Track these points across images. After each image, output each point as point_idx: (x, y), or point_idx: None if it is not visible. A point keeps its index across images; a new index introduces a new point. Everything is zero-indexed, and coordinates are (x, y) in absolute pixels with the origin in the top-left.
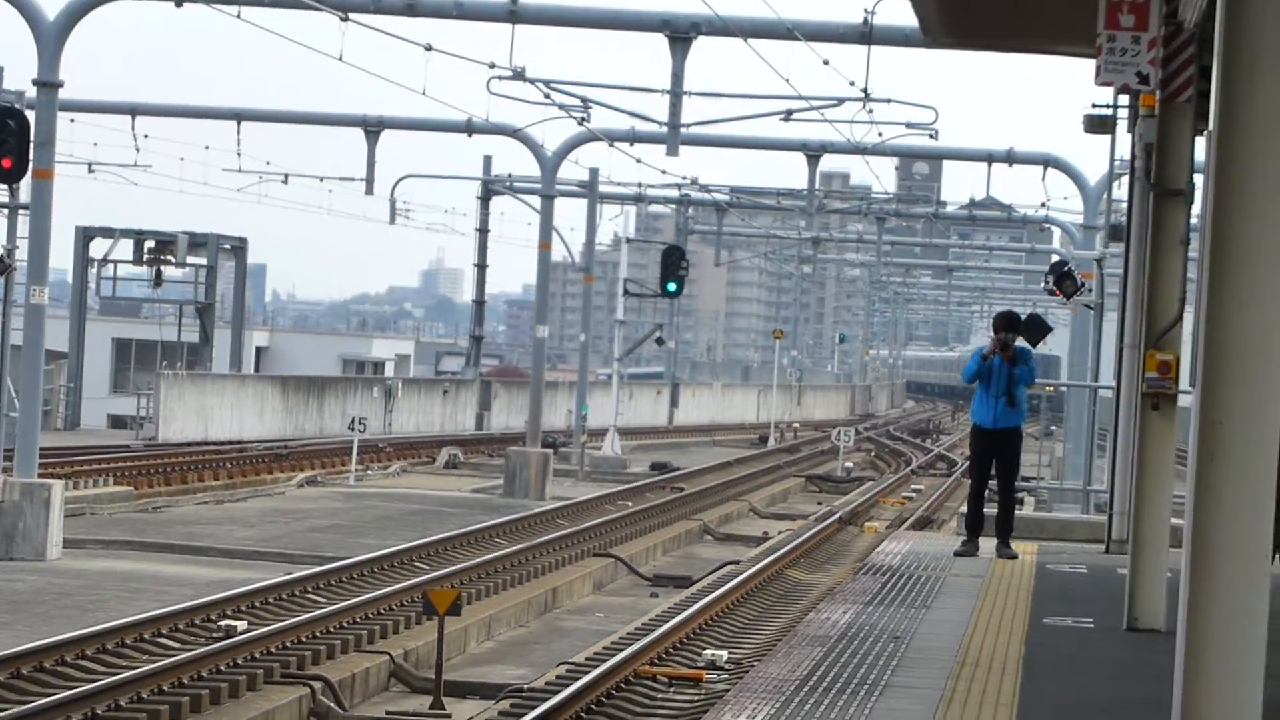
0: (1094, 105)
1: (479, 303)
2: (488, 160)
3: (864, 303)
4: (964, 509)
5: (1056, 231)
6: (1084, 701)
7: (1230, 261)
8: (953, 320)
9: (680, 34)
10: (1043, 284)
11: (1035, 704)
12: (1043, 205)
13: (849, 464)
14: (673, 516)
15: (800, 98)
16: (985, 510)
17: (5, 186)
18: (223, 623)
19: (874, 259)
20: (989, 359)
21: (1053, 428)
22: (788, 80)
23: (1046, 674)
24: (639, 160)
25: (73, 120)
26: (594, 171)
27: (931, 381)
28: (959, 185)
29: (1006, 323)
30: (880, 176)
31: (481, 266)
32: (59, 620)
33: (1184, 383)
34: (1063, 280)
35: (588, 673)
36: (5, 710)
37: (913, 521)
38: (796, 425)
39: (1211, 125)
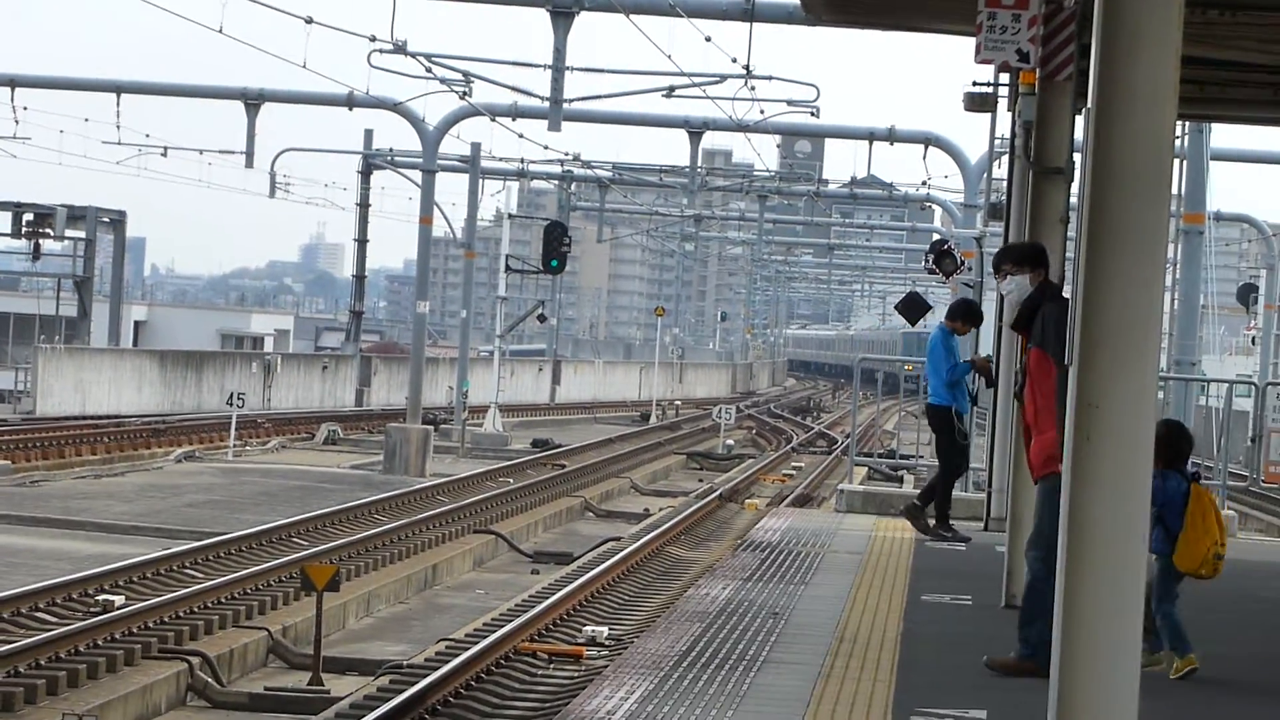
0: (974, 84)
1: (359, 278)
2: (369, 134)
3: (746, 281)
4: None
5: (938, 210)
6: (961, 677)
7: (1106, 241)
8: (834, 299)
9: (563, 8)
10: (923, 263)
11: (913, 679)
12: (924, 184)
13: (730, 441)
14: (554, 493)
15: (682, 74)
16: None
17: None
18: (100, 597)
19: (756, 237)
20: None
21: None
22: (670, 57)
23: (925, 650)
24: (521, 136)
25: None
26: (476, 146)
27: (812, 360)
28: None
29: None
30: (762, 154)
31: (362, 241)
32: None
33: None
34: (942, 259)
35: (467, 649)
36: None
37: (793, 498)
38: (678, 403)
39: (1090, 103)
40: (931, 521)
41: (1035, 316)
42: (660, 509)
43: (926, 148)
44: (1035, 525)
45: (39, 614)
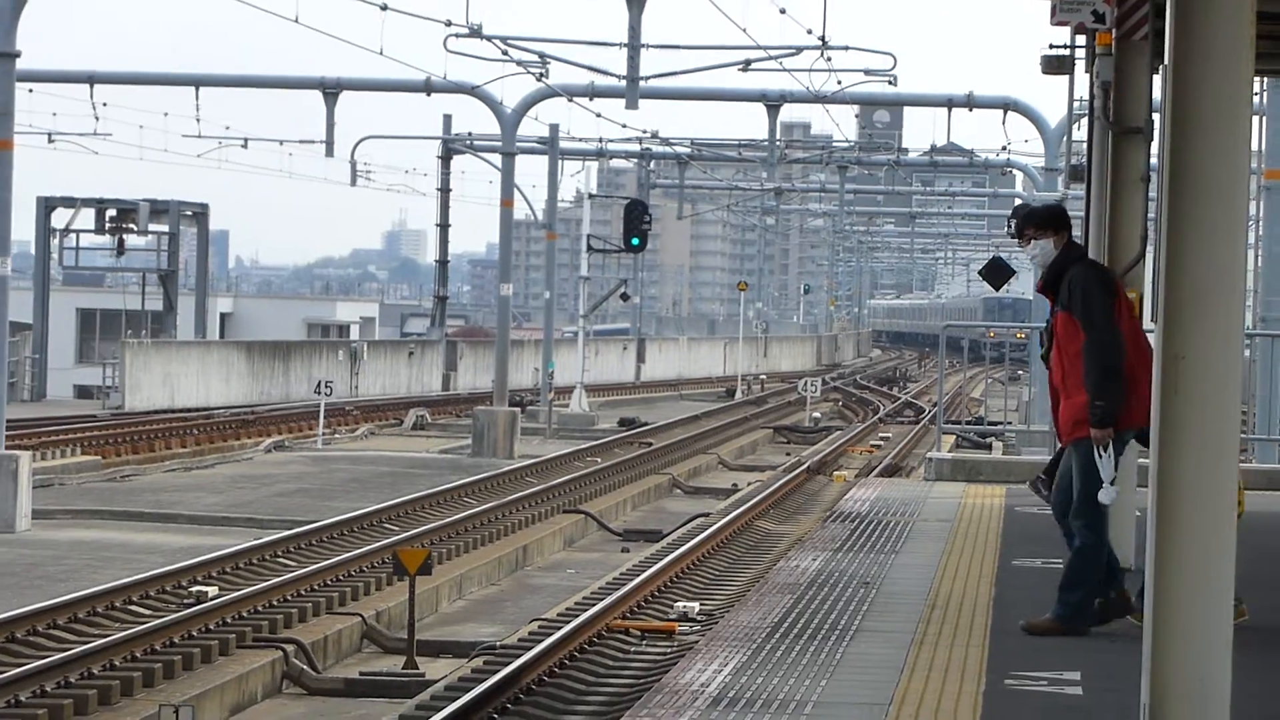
0: (1051, 46)
1: (442, 263)
2: (447, 119)
3: (828, 253)
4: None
5: (1019, 175)
6: (1055, 641)
7: (1188, 197)
8: (917, 268)
9: None
10: (1005, 228)
11: (1006, 644)
12: (1004, 149)
13: (816, 414)
14: (641, 471)
15: (758, 47)
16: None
17: None
18: (193, 588)
19: (837, 208)
20: None
21: (1019, 372)
22: (745, 30)
23: (1017, 614)
24: (599, 115)
25: (31, 90)
26: (554, 128)
27: (904, 330)
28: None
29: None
30: (841, 125)
31: (444, 226)
32: (30, 591)
33: (1146, 321)
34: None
35: (560, 628)
36: None
37: (881, 469)
38: (763, 377)
39: (1167, 61)
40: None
41: (1062, 279)
42: (748, 484)
43: (1005, 113)
44: (1077, 492)
45: (133, 606)
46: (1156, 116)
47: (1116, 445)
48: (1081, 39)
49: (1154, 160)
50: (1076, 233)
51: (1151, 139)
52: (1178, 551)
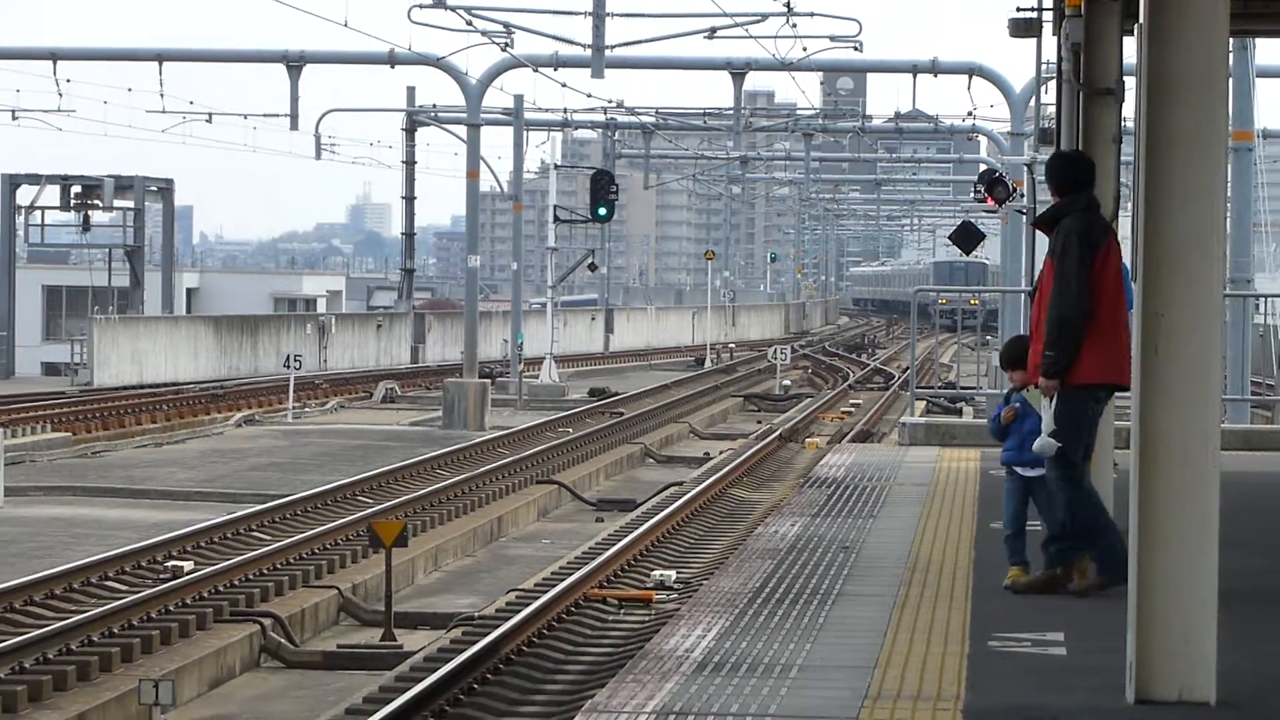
0: (1019, 9)
1: (408, 235)
2: (411, 91)
3: (794, 221)
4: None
5: (984, 141)
6: (1037, 601)
7: (1165, 157)
8: (884, 235)
9: None
10: (972, 192)
11: (988, 605)
12: (969, 115)
13: (786, 381)
14: (613, 441)
15: (724, 14)
16: None
17: None
18: (169, 564)
19: (802, 176)
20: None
21: (988, 337)
22: None
23: (998, 575)
24: (564, 85)
25: None
26: (519, 98)
27: (871, 297)
28: (885, 98)
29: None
30: (806, 93)
31: (409, 199)
32: (4, 568)
33: None
34: (994, 187)
35: (537, 598)
36: None
37: (853, 435)
38: (732, 346)
39: (1142, 21)
40: None
41: (1057, 222)
42: (720, 452)
43: (970, 78)
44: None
45: (109, 583)
46: (1129, 78)
47: (1092, 402)
48: (1049, 1)
49: (1126, 122)
50: (1044, 195)
51: (1123, 100)
52: (1161, 510)
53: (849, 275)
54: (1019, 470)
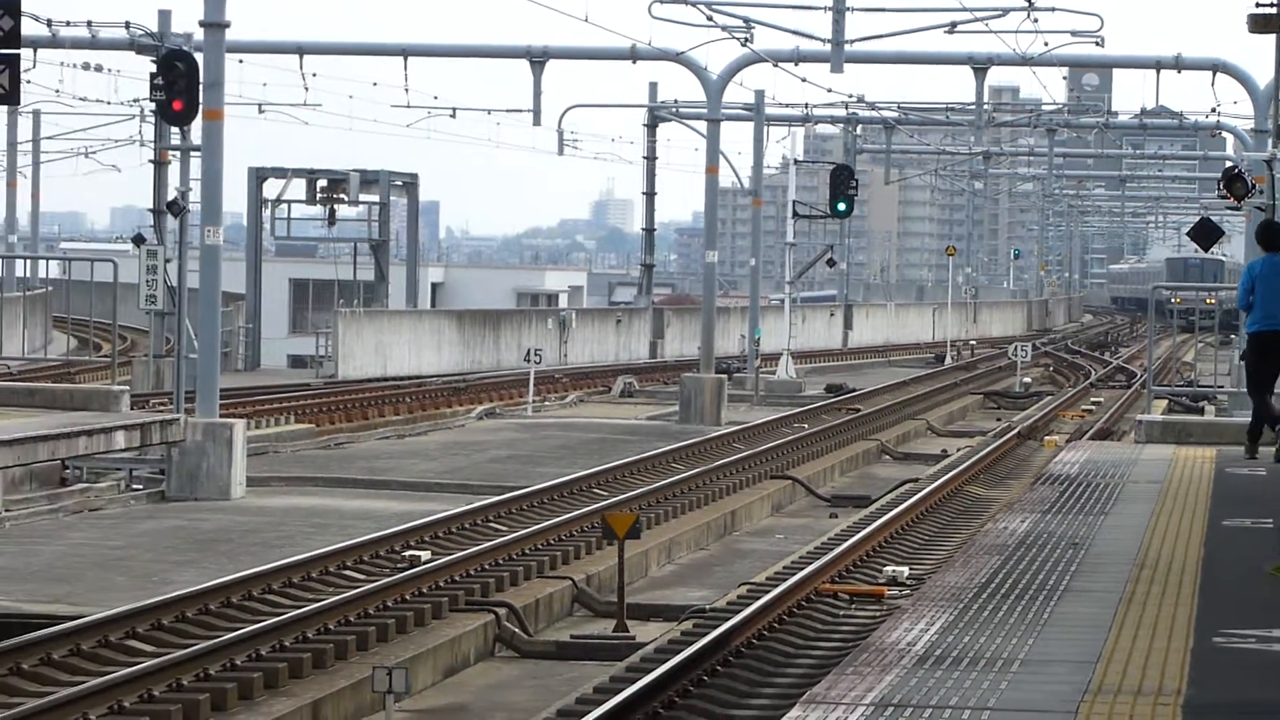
0: (1258, 4)
1: (649, 231)
2: (653, 87)
3: (1037, 217)
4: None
5: (1229, 137)
6: (1265, 598)
7: None
8: (1128, 231)
9: None
10: (1216, 190)
11: (1215, 602)
12: (1213, 111)
13: (1027, 379)
14: (850, 437)
15: (964, 9)
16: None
17: (177, 129)
18: (407, 553)
19: (1045, 172)
20: None
21: (1232, 335)
22: None
23: (1226, 573)
24: (804, 80)
25: (241, 61)
26: (759, 94)
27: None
28: (1129, 94)
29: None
30: (1048, 88)
31: (650, 195)
32: (245, 557)
33: None
34: (1233, 183)
35: (768, 592)
36: (195, 644)
37: (1093, 433)
38: (973, 343)
39: None
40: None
41: None
42: (958, 449)
43: (1214, 74)
44: None
45: (347, 571)
46: None
47: None
48: None
49: None
50: None
51: None
52: None
53: (1109, 273)
54: None
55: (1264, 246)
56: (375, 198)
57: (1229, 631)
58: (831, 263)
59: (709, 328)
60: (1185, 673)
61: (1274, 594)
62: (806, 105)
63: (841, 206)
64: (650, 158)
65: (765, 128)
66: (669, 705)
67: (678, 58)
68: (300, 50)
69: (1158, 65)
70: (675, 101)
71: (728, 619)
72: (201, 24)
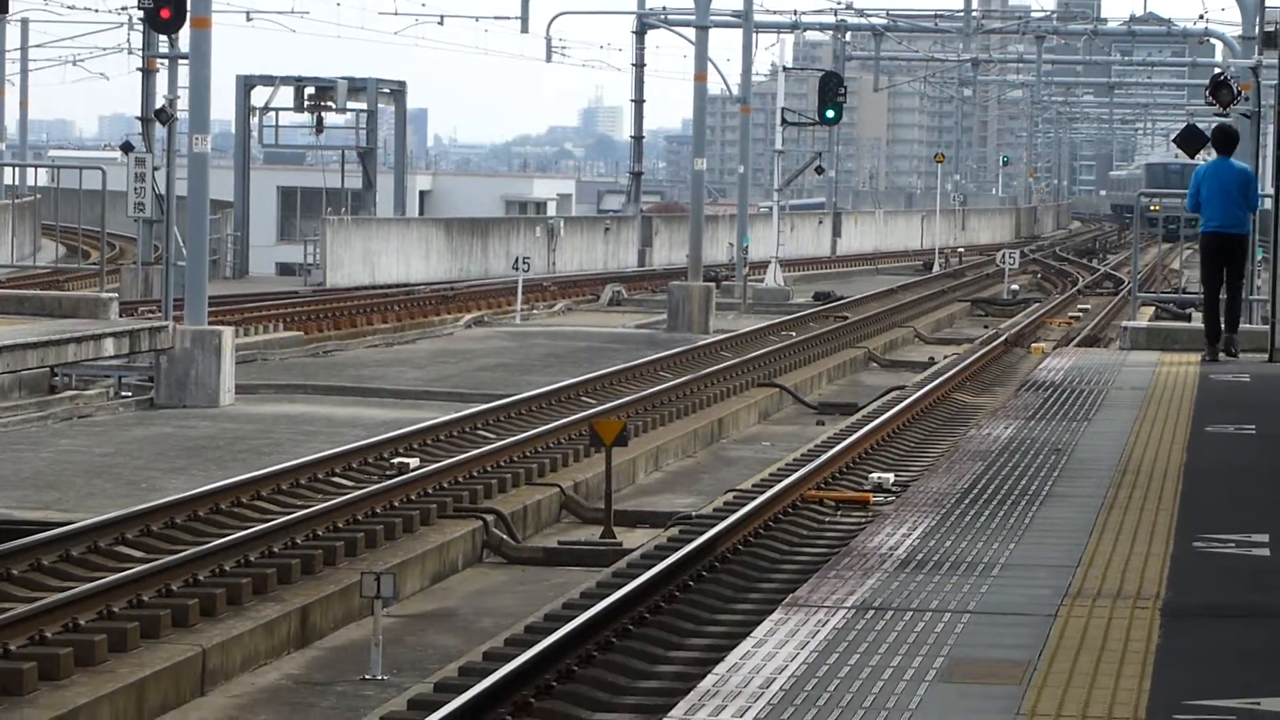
0: None
1: (637, 139)
2: None
3: (1026, 124)
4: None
5: (1218, 44)
6: (1244, 505)
7: None
8: (1116, 138)
9: None
10: (1204, 98)
11: (1195, 508)
12: (1201, 18)
13: (1014, 286)
14: (837, 345)
15: None
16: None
17: (165, 37)
18: (395, 460)
19: (1034, 79)
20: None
21: None
22: None
23: (1208, 479)
24: None
25: None
26: (748, 0)
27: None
28: (1118, 2)
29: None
30: None
31: (639, 102)
32: (234, 464)
33: None
34: (1219, 90)
35: (754, 499)
36: (184, 550)
37: (1079, 340)
38: (961, 250)
39: None
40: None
41: None
42: (945, 356)
43: None
44: None
45: (336, 478)
46: None
47: None
48: None
49: None
50: (1271, 100)
51: None
52: None
53: (1109, 179)
54: None
55: (1218, 149)
56: (363, 105)
57: (1209, 536)
58: (820, 170)
59: (697, 236)
60: (1165, 576)
61: (1254, 498)
62: (795, 12)
63: (830, 114)
64: (639, 65)
65: (754, 35)
66: (655, 610)
67: None
68: None
69: None
70: (664, 9)
71: (714, 525)
72: None
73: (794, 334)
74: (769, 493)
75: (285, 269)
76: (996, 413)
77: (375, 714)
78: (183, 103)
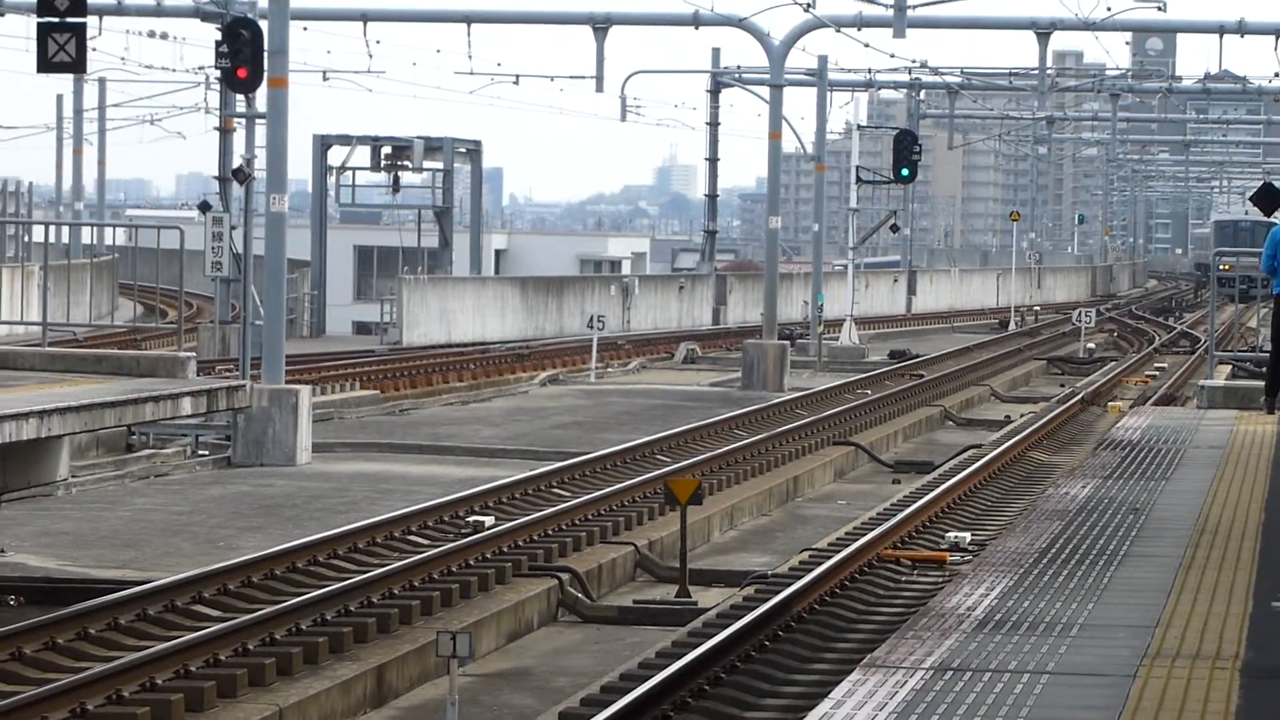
0: None
1: (711, 197)
2: (715, 53)
3: (1101, 182)
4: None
5: None
6: None
7: None
8: (1192, 196)
9: None
10: None
11: (1274, 567)
12: (1277, 75)
13: (1091, 345)
14: (913, 403)
15: None
16: None
17: (242, 96)
18: (471, 518)
19: (1109, 137)
20: None
21: None
22: None
23: None
24: (867, 45)
25: (305, 28)
26: (822, 59)
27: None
28: (1193, 59)
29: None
30: (1112, 53)
31: (713, 160)
32: (310, 522)
33: None
34: None
35: (830, 557)
36: (260, 609)
37: (1156, 399)
38: (1037, 308)
39: None
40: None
41: None
42: (1021, 415)
43: (1277, 39)
44: None
45: (412, 537)
46: None
47: None
48: None
49: None
50: None
51: None
52: None
53: (1193, 237)
54: None
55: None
56: (439, 165)
57: None
58: (895, 228)
59: (771, 294)
60: (1244, 637)
61: None
62: (869, 70)
63: (905, 172)
64: (713, 124)
65: (828, 93)
66: (731, 670)
67: (740, 23)
68: (364, 17)
69: (1220, 30)
70: (738, 67)
71: (789, 584)
72: None
73: (869, 392)
74: (845, 552)
75: (362, 328)
76: (1073, 472)
77: None
78: (260, 162)
